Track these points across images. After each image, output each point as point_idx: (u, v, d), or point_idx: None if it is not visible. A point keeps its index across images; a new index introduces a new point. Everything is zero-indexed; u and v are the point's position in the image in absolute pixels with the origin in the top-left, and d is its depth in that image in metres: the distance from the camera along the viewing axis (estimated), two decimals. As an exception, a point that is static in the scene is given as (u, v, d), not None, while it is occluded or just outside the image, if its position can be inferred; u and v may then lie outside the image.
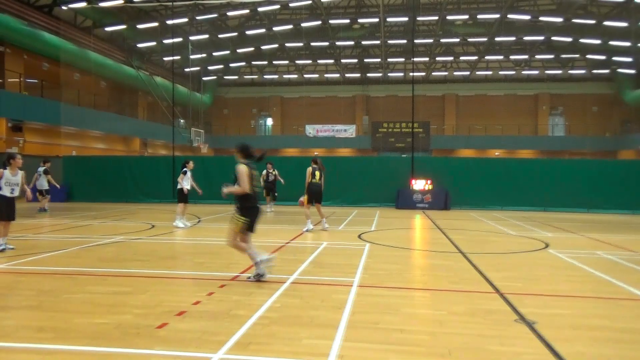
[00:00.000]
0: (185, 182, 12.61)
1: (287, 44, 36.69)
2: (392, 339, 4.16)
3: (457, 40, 35.86)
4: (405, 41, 35.93)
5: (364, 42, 36.44)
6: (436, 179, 19.47)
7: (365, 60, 41.18)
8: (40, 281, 6.21)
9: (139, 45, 33.12)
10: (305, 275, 6.60)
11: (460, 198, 19.36)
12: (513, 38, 34.64)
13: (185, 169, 12.69)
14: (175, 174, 20.72)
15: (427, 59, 40.50)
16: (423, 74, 43.56)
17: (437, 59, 40.73)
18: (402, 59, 41.13)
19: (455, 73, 44.02)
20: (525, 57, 39.51)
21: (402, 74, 44.21)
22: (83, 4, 24.99)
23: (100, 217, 14.59)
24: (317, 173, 11.36)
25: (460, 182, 19.47)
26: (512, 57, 39.62)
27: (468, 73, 43.46)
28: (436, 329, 4.45)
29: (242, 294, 5.57)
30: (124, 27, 29.03)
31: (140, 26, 30.22)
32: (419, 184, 19.32)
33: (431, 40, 35.75)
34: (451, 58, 40.92)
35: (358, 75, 44.46)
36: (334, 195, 20.07)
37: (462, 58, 40.63)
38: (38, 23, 24.95)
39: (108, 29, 29.35)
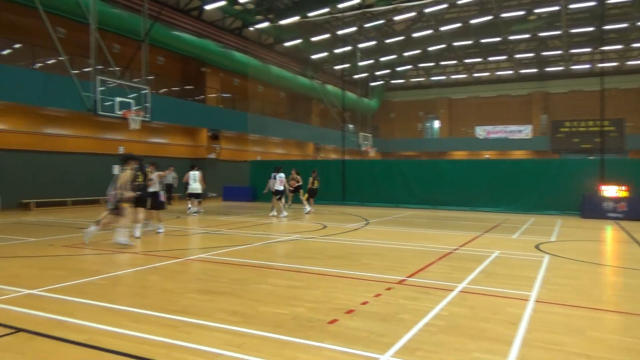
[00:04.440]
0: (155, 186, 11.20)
1: (454, 43, 35.49)
2: (575, 364, 3.77)
3: (661, 21, 30.40)
4: (592, 28, 31.72)
5: (541, 34, 33.28)
6: (634, 185, 16.77)
7: (543, 53, 37.56)
8: (232, 271, 7.14)
9: (313, 57, 35.47)
10: (474, 285, 6.34)
11: (666, 207, 16.32)
12: None
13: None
14: (346, 176, 21.74)
15: (620, 46, 35.13)
16: (615, 64, 38.00)
17: (633, 45, 35.01)
18: (588, 49, 36.37)
19: (660, 60, 37.39)
20: None
21: (588, 66, 39.19)
22: (266, 24, 27.82)
23: (279, 217, 16.03)
24: (316, 182, 18.00)
25: (667, 188, 16.44)
26: None
27: (677, 59, 36.56)
28: (631, 359, 3.88)
29: (408, 298, 5.61)
30: (299, 41, 31.42)
31: (313, 39, 32.36)
32: (611, 190, 16.88)
33: (625, 25, 30.92)
34: (653, 43, 34.83)
35: (535, 70, 40.78)
36: (507, 201, 18.72)
37: (667, 42, 34.30)
38: (230, 44, 28.56)
39: (286, 44, 32.08)
